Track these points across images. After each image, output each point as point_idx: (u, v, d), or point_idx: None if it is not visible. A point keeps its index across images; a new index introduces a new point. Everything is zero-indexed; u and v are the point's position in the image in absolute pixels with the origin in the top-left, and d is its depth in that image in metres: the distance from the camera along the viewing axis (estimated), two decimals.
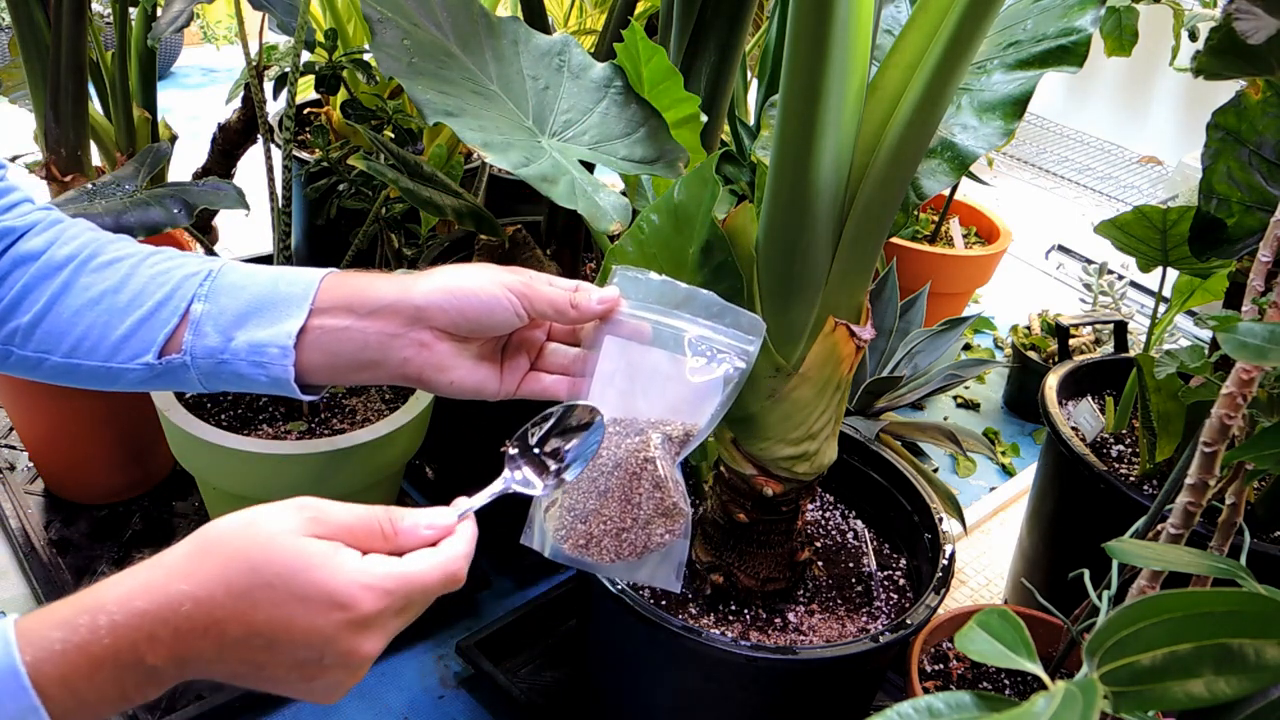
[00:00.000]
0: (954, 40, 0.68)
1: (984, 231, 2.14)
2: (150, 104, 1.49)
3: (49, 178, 1.32)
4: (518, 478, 0.60)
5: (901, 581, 1.04)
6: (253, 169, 1.48)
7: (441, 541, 0.55)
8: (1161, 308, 1.29)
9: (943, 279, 1.93)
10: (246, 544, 0.50)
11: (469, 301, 0.65)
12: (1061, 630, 0.87)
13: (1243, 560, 0.68)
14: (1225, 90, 1.01)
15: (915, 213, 1.97)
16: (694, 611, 0.95)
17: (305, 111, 1.88)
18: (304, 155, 1.62)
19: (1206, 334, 1.51)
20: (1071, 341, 1.89)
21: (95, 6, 1.54)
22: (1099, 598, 0.76)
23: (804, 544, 0.97)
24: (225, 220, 1.79)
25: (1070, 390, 1.35)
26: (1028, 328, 2.01)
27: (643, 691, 0.97)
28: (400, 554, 0.53)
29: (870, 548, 1.08)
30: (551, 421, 0.62)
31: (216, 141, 1.59)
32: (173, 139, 1.56)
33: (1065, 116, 3.40)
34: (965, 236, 2.12)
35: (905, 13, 0.96)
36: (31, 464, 1.43)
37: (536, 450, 0.61)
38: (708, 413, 0.66)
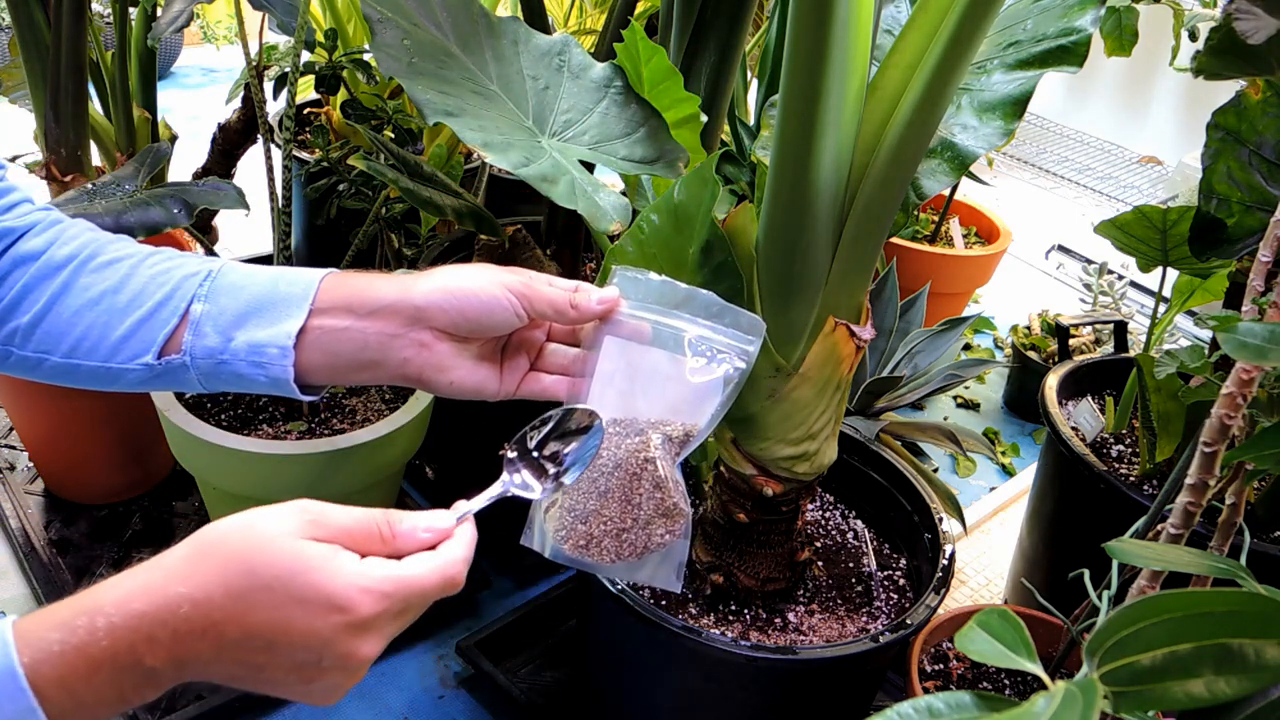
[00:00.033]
0: (954, 40, 0.68)
1: (984, 231, 2.14)
2: (150, 104, 1.49)
3: (49, 178, 1.32)
4: (516, 481, 0.60)
5: (901, 581, 1.04)
6: (253, 169, 1.48)
7: (440, 545, 0.55)
8: (1161, 308, 1.29)
9: (943, 279, 1.93)
10: (245, 546, 0.50)
11: (469, 302, 0.65)
12: (1061, 630, 0.87)
13: (1243, 560, 0.68)
14: (1225, 90, 1.01)
15: (915, 213, 1.97)
16: (694, 611, 0.95)
17: (305, 111, 1.88)
18: (304, 155, 1.62)
19: (1206, 334, 1.51)
20: (1071, 341, 1.89)
21: (95, 6, 1.54)
22: (1099, 598, 0.76)
23: (804, 544, 0.97)
24: (225, 220, 1.79)
25: (1070, 390, 1.35)
26: (1028, 328, 2.01)
27: (643, 691, 0.97)
28: (398, 557, 0.53)
29: (870, 548, 1.08)
30: (550, 425, 0.62)
31: (216, 141, 1.59)
32: (173, 139, 1.56)
33: (1065, 116, 3.40)
34: (965, 236, 2.12)
35: (905, 13, 0.96)
36: (31, 464, 1.43)
37: (535, 454, 0.61)
38: (708, 413, 0.66)
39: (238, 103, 1.60)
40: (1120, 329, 1.49)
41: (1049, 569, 1.27)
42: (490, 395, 0.69)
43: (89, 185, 1.13)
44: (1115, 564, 0.75)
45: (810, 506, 1.08)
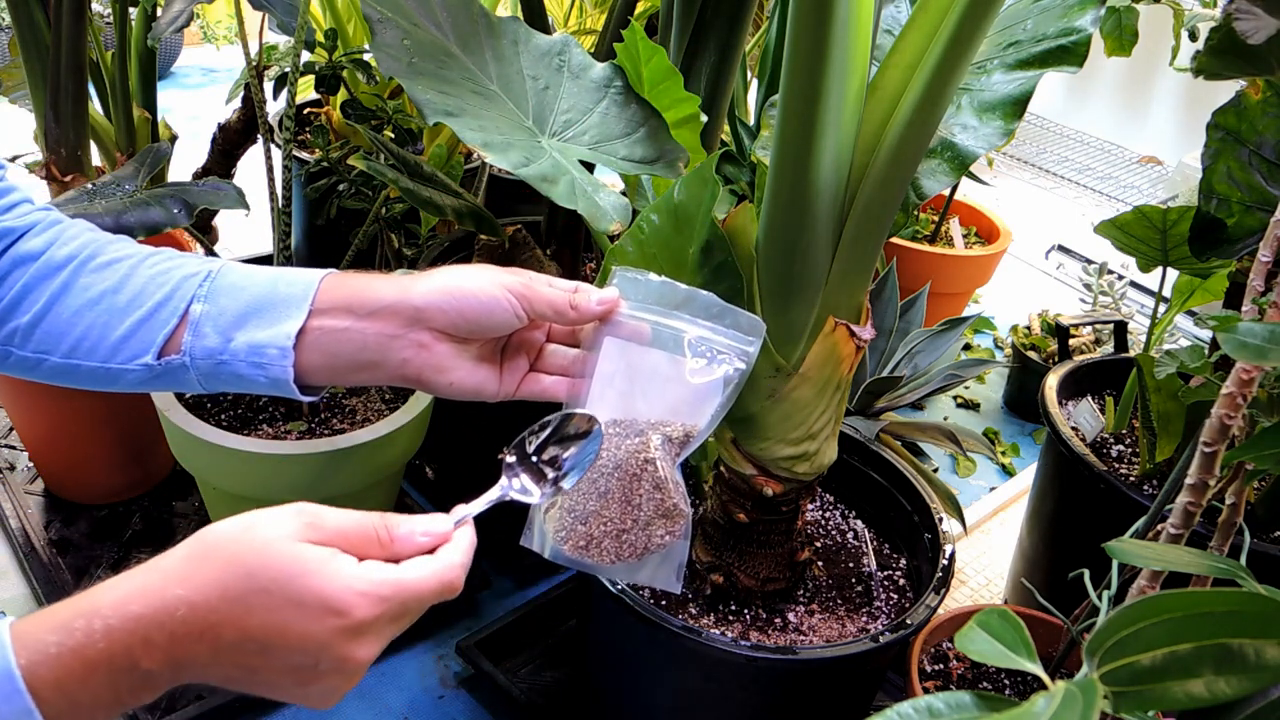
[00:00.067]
0: (954, 40, 0.68)
1: (984, 231, 2.14)
2: (150, 104, 1.49)
3: (49, 178, 1.32)
4: (515, 485, 0.60)
5: (901, 581, 1.04)
6: (253, 169, 1.48)
7: (439, 549, 0.55)
8: (1161, 308, 1.29)
9: (943, 279, 1.93)
10: (243, 549, 0.49)
11: (468, 302, 0.65)
12: (1061, 630, 0.87)
13: (1243, 560, 0.68)
14: (1225, 90, 1.01)
15: (915, 213, 1.97)
16: (694, 611, 0.95)
17: (305, 111, 1.88)
18: (304, 155, 1.62)
19: (1206, 334, 1.51)
20: (1071, 341, 1.89)
21: (95, 6, 1.54)
22: (1099, 598, 0.76)
23: (804, 544, 0.97)
24: (225, 220, 1.79)
25: (1070, 390, 1.35)
26: (1028, 328, 2.01)
27: (643, 691, 0.97)
28: (397, 561, 0.53)
29: (870, 548, 1.08)
30: (549, 429, 0.62)
31: (216, 141, 1.59)
32: (173, 139, 1.56)
33: (1065, 116, 3.40)
34: (965, 236, 2.12)
35: (905, 13, 0.96)
36: (31, 464, 1.43)
37: (534, 458, 0.61)
38: (708, 414, 0.66)
39: (238, 103, 1.60)
40: (1120, 329, 1.49)
41: (1049, 569, 1.27)
42: (490, 396, 0.69)
43: (89, 185, 1.13)
44: (1115, 564, 0.75)
45: (810, 506, 1.08)
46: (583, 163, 0.94)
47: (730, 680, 0.89)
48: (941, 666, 1.01)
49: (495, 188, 1.76)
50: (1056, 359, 1.59)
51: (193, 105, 2.98)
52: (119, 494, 1.41)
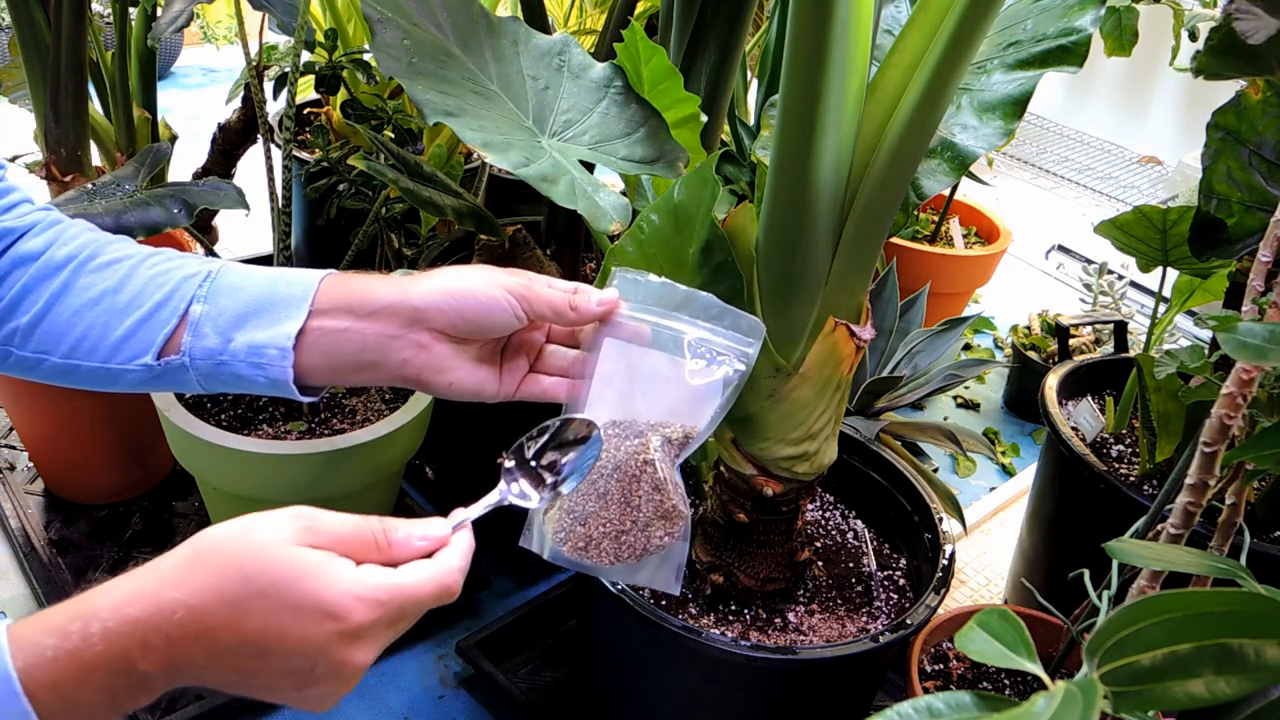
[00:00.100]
0: (954, 40, 0.68)
1: (984, 231, 2.14)
2: (150, 104, 1.49)
3: (49, 178, 1.32)
4: (514, 490, 0.60)
5: (901, 581, 1.04)
6: (253, 169, 1.48)
7: (436, 553, 0.54)
8: (1161, 308, 1.29)
9: (943, 279, 1.93)
10: (240, 553, 0.49)
11: (468, 303, 0.65)
12: (1061, 630, 0.87)
13: (1243, 560, 0.68)
14: (1225, 90, 1.01)
15: (915, 213, 1.97)
16: (694, 611, 0.95)
17: (305, 111, 1.88)
18: (304, 155, 1.62)
19: (1206, 334, 1.51)
20: (1071, 341, 1.89)
21: (95, 6, 1.54)
22: (1099, 598, 0.76)
23: (804, 544, 0.97)
24: (225, 220, 1.79)
25: (1070, 390, 1.35)
26: (1028, 328, 2.01)
27: (643, 691, 0.97)
28: (394, 565, 0.53)
29: (870, 548, 1.08)
30: (548, 434, 0.62)
31: (216, 141, 1.59)
32: (173, 139, 1.56)
33: (1065, 116, 3.40)
34: (965, 236, 2.12)
35: (905, 13, 0.96)
36: (31, 464, 1.43)
37: (533, 463, 0.61)
38: (707, 415, 0.66)
39: (238, 103, 1.60)
40: (1120, 329, 1.49)
41: (1049, 569, 1.27)
42: (489, 397, 0.69)
43: (89, 185, 1.13)
44: (1115, 564, 0.75)
45: (810, 506, 1.08)
46: (583, 163, 0.94)
47: (730, 680, 0.89)
48: (941, 666, 1.01)
49: (495, 188, 1.76)
50: (1056, 359, 1.59)
51: (193, 105, 2.98)
52: (119, 494, 1.41)
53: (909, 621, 0.89)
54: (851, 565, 1.05)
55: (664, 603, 0.95)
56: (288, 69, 1.12)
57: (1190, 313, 1.55)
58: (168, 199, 1.07)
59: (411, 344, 0.65)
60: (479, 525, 0.58)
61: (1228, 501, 0.68)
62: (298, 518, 0.52)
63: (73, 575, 1.28)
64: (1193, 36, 1.73)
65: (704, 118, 1.06)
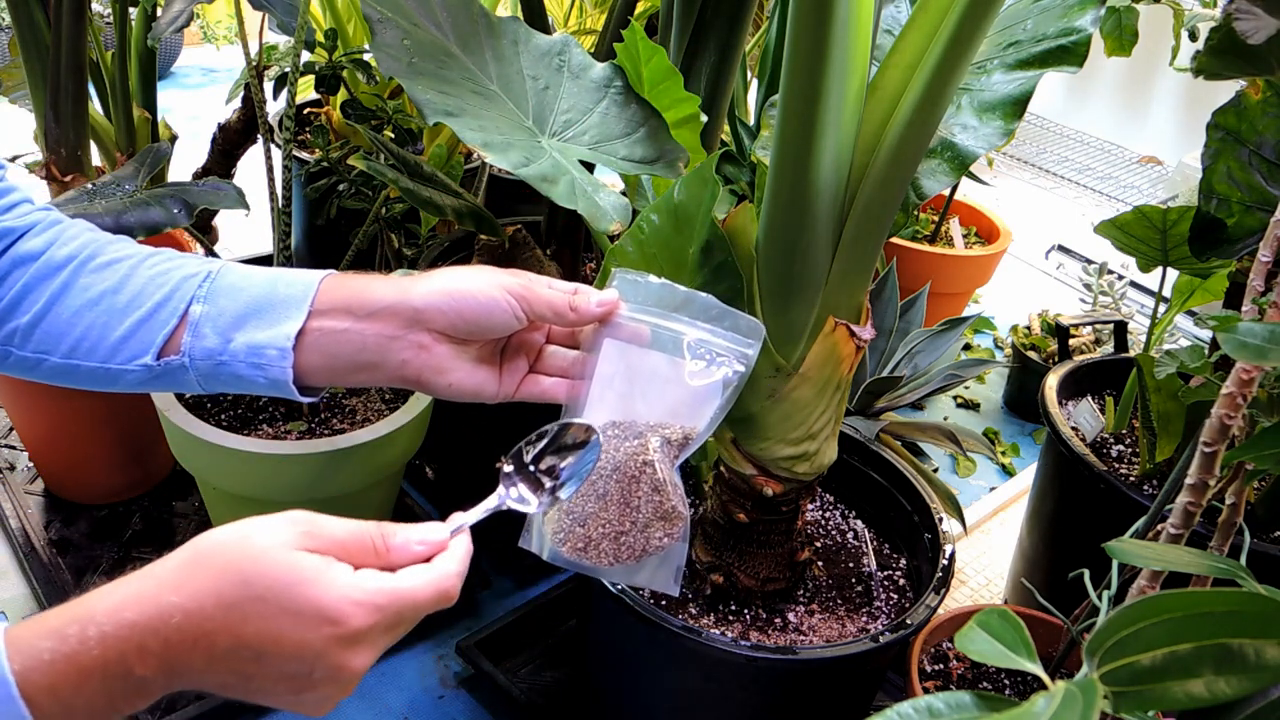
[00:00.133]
0: (954, 40, 0.68)
1: (984, 231, 2.14)
2: (150, 104, 1.49)
3: (49, 178, 1.32)
4: (513, 495, 0.60)
5: (901, 581, 1.04)
6: (253, 169, 1.48)
7: (435, 558, 0.54)
8: (1161, 308, 1.29)
9: (943, 279, 1.93)
10: (239, 557, 0.49)
11: (467, 303, 0.65)
12: (1061, 630, 0.87)
13: (1243, 560, 0.68)
14: (1225, 90, 1.01)
15: (915, 213, 1.97)
16: (694, 611, 0.95)
17: (305, 111, 1.88)
18: (304, 155, 1.62)
19: (1206, 334, 1.51)
20: (1071, 341, 1.89)
21: (95, 6, 1.54)
22: (1099, 598, 0.76)
23: (804, 544, 0.97)
24: (225, 220, 1.79)
25: (1070, 390, 1.35)
26: (1028, 328, 2.01)
27: (643, 691, 0.97)
28: (392, 569, 0.53)
29: (870, 548, 1.08)
30: (547, 439, 0.62)
31: (216, 141, 1.59)
32: (173, 139, 1.56)
33: (1065, 116, 3.40)
34: (965, 236, 2.12)
35: (905, 13, 0.96)
36: (31, 464, 1.43)
37: (532, 467, 0.61)
38: (706, 416, 0.66)
39: (238, 103, 1.60)
40: (1120, 329, 1.49)
41: (1049, 569, 1.27)
42: (489, 397, 0.69)
43: (89, 185, 1.13)
44: (1115, 564, 0.75)
45: (810, 506, 1.08)
46: (583, 163, 0.94)
47: (730, 680, 0.89)
48: (941, 666, 1.01)
49: (495, 188, 1.76)
50: (1056, 359, 1.59)
51: (193, 105, 2.98)
52: (119, 494, 1.41)
53: (909, 621, 0.89)
54: (851, 565, 1.05)
55: (664, 603, 0.95)
56: (288, 69, 1.12)
57: (1190, 313, 1.55)
58: (168, 199, 1.07)
59: (411, 345, 0.65)
60: (478, 525, 0.58)
61: (1228, 501, 0.68)
62: (296, 522, 0.52)
63: (73, 575, 1.28)
64: (1193, 36, 1.73)
65: (704, 118, 1.06)
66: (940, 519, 1.02)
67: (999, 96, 0.83)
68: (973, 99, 0.84)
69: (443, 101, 0.88)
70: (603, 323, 0.67)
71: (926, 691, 0.95)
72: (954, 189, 2.03)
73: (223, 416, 1.20)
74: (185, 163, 1.66)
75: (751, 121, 1.51)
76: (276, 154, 1.16)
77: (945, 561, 0.96)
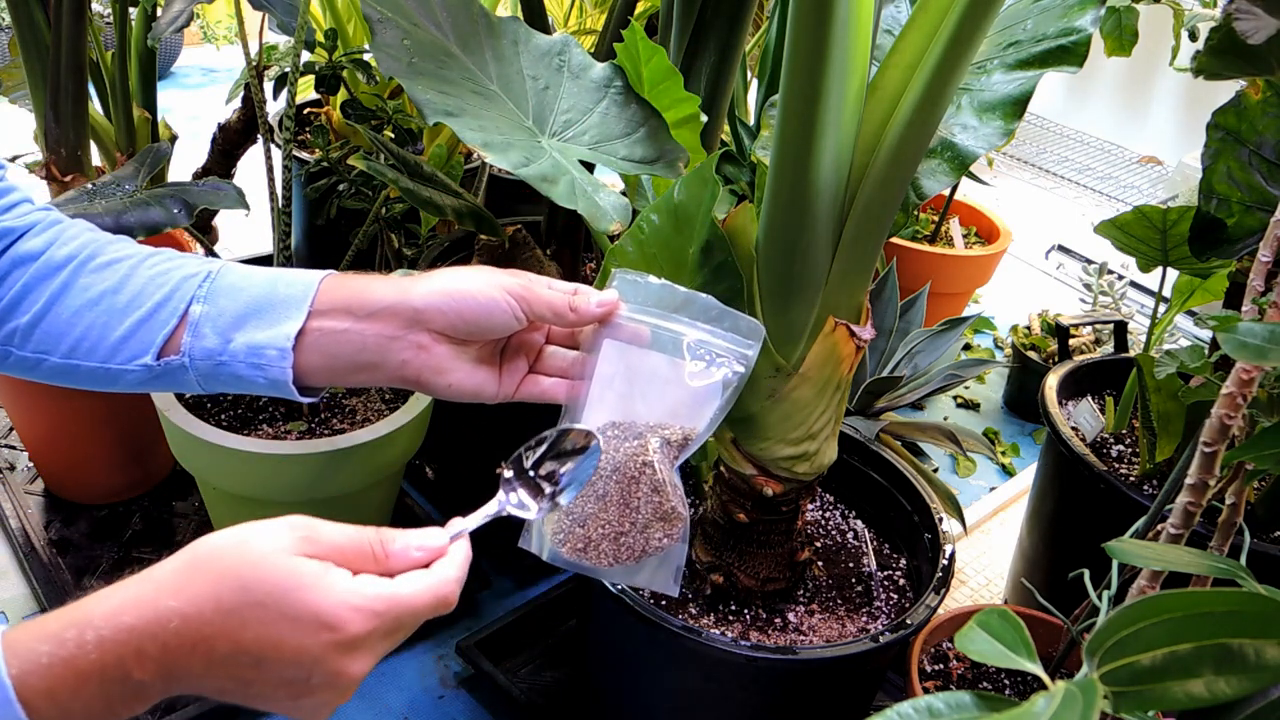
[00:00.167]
0: (954, 40, 0.68)
1: (984, 231, 2.14)
2: (150, 104, 1.49)
3: (49, 178, 1.32)
4: (513, 500, 0.60)
5: (901, 581, 1.04)
6: (253, 169, 1.48)
7: (434, 564, 0.54)
8: (1161, 308, 1.29)
9: (943, 279, 1.93)
10: (237, 562, 0.49)
11: (467, 304, 0.65)
12: (1061, 630, 0.87)
13: (1243, 560, 0.68)
14: (1225, 90, 1.01)
15: (915, 213, 1.97)
16: (694, 611, 0.95)
17: (305, 111, 1.88)
18: (304, 155, 1.62)
19: (1206, 334, 1.51)
20: (1071, 341, 1.89)
21: (95, 6, 1.54)
22: (1099, 598, 0.76)
23: (804, 544, 0.97)
24: (225, 220, 1.79)
25: (1070, 390, 1.35)
26: (1028, 328, 2.01)
27: (643, 691, 0.97)
28: (391, 575, 0.53)
29: (870, 548, 1.08)
30: (546, 444, 0.61)
31: (216, 141, 1.59)
32: (173, 139, 1.56)
33: (1065, 116, 3.40)
34: (965, 236, 2.12)
35: (905, 13, 0.96)
36: (31, 464, 1.43)
37: (531, 473, 0.61)
38: (706, 417, 0.66)
39: (238, 103, 1.60)
40: (1120, 329, 1.49)
41: (1049, 569, 1.27)
42: (489, 398, 0.69)
43: (89, 185, 1.13)
44: (1115, 564, 0.75)
45: (810, 506, 1.08)
46: (583, 163, 0.94)
47: (730, 680, 0.89)
48: (941, 666, 1.01)
49: (495, 188, 1.76)
50: (1056, 359, 1.59)
51: (193, 105, 2.98)
52: (119, 494, 1.41)
53: (909, 621, 0.89)
54: (851, 565, 1.05)
55: (664, 603, 0.95)
56: (288, 69, 1.12)
57: (1190, 313, 1.55)
58: (168, 199, 1.07)
59: (411, 345, 0.65)
60: (478, 528, 0.58)
61: (1228, 501, 0.68)
62: (295, 527, 0.52)
63: (73, 575, 1.28)
64: (1193, 36, 1.73)
65: (704, 118, 1.06)
66: (940, 519, 1.02)
67: (999, 96, 0.83)
68: (973, 99, 0.84)
69: (443, 101, 0.88)
70: (602, 323, 0.67)
71: (926, 691, 0.95)
72: (954, 189, 2.03)
73: (223, 416, 1.20)
74: (185, 163, 1.66)
75: (751, 121, 1.51)
76: (276, 154, 1.16)
77: (945, 561, 0.96)
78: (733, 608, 0.96)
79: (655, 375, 0.66)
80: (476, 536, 0.58)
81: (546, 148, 0.94)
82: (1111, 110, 3.28)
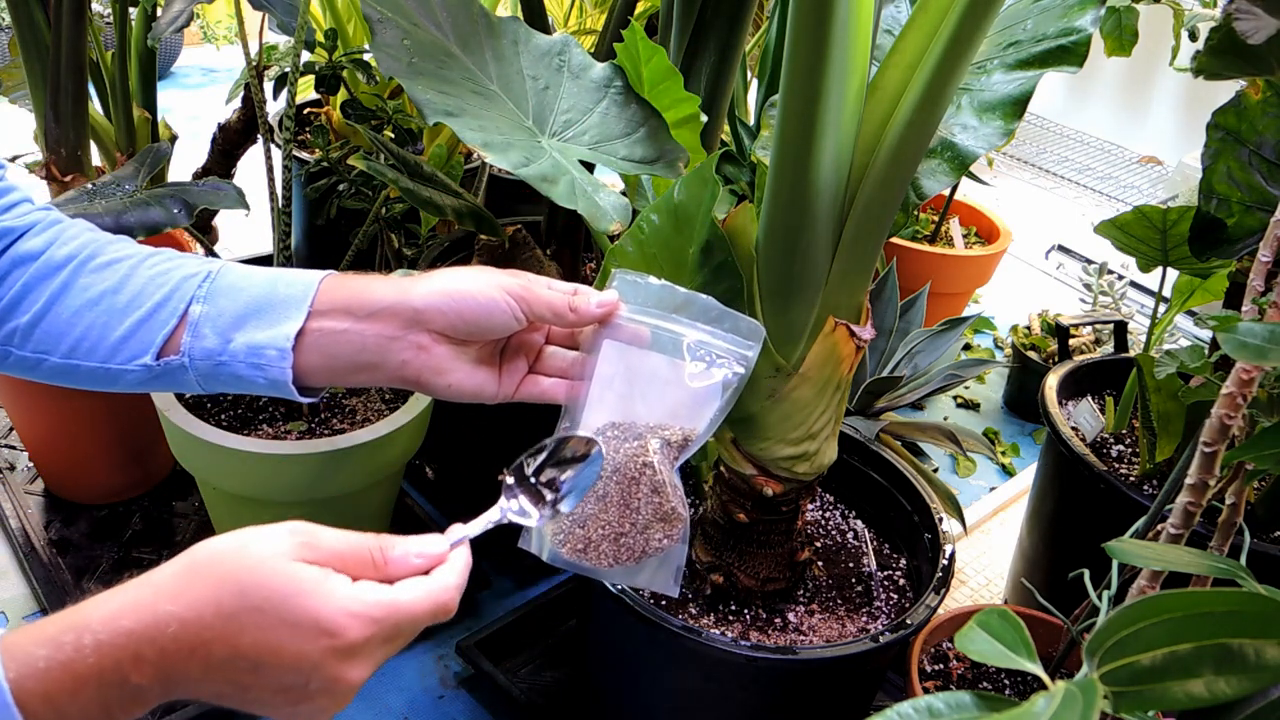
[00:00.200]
0: (954, 40, 0.68)
1: (984, 231, 2.14)
2: (150, 104, 1.49)
3: (49, 178, 1.32)
4: (514, 507, 0.60)
5: (901, 581, 1.04)
6: (253, 169, 1.48)
7: (434, 570, 0.54)
8: (1161, 308, 1.29)
9: (943, 279, 1.93)
10: (237, 567, 0.49)
11: (467, 304, 0.65)
12: (1061, 630, 0.87)
13: (1243, 560, 0.68)
14: (1225, 90, 1.01)
15: (915, 213, 1.97)
16: (694, 611, 0.95)
17: (305, 111, 1.88)
18: (304, 155, 1.62)
19: (1206, 334, 1.51)
20: (1071, 341, 1.89)
21: (95, 6, 1.54)
22: (1099, 598, 0.76)
23: (804, 544, 0.97)
24: (225, 220, 1.79)
25: (1070, 390, 1.35)
26: (1028, 328, 2.01)
27: (643, 691, 0.97)
28: (391, 582, 0.53)
29: (870, 548, 1.07)
30: (547, 451, 0.61)
31: (216, 141, 1.59)
32: (173, 139, 1.56)
33: (1065, 116, 3.40)
34: (965, 236, 2.12)
35: (905, 13, 0.96)
36: (31, 464, 1.43)
37: (533, 479, 0.61)
38: (706, 418, 0.66)
39: (238, 103, 1.60)
40: (1120, 329, 1.49)
41: (1049, 569, 1.27)
42: (489, 398, 0.69)
43: (89, 185, 1.13)
44: (1115, 564, 0.75)
45: (810, 506, 1.08)
46: (583, 163, 0.94)
47: (730, 680, 0.89)
48: (941, 666, 1.01)
49: (495, 188, 1.76)
50: (1056, 359, 1.59)
51: (193, 105, 2.98)
52: (119, 494, 1.41)
53: (909, 621, 0.89)
54: (851, 565, 1.05)
55: (664, 603, 0.95)
56: (288, 69, 1.12)
57: (1190, 313, 1.55)
58: (168, 199, 1.07)
59: (411, 345, 0.65)
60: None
61: (1228, 501, 0.68)
62: (295, 533, 0.51)
63: (73, 575, 1.28)
64: (1193, 36, 1.74)
65: (704, 118, 1.06)
66: (940, 519, 1.02)
67: (999, 96, 0.83)
68: (973, 99, 0.84)
69: (443, 101, 0.88)
70: (602, 324, 0.67)
71: (926, 691, 0.95)
72: (954, 189, 2.03)
73: (223, 416, 1.20)
74: (185, 163, 1.66)
75: (751, 121, 1.51)
76: (276, 154, 1.16)
77: (945, 561, 0.96)
78: (733, 608, 0.96)
79: (655, 376, 0.66)
80: (476, 537, 0.58)
81: (546, 148, 0.94)
82: (1111, 110, 3.28)
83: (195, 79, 3.27)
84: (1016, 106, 0.82)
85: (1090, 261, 2.34)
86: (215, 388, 0.66)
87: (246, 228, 1.77)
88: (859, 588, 1.02)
